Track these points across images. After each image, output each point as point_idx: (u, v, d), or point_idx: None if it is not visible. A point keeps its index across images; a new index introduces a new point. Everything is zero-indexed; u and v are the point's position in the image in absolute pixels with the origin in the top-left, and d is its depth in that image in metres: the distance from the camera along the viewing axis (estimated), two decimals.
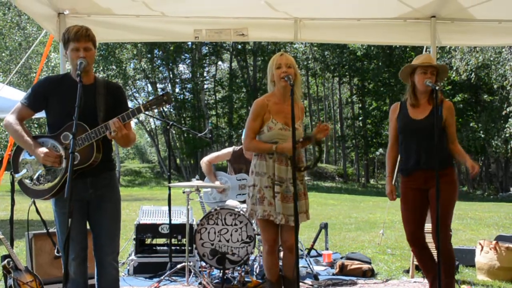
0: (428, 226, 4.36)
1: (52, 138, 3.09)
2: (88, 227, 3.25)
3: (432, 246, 4.01)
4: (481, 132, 27.35)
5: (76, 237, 3.07)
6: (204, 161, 5.76)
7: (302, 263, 5.27)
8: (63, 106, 3.06)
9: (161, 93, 3.09)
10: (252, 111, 3.69)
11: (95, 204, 3.18)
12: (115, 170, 3.37)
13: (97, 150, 3.03)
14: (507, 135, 24.02)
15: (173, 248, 5.28)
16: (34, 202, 3.90)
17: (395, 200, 3.94)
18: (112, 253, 3.21)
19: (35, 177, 3.11)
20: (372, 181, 37.05)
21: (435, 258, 3.77)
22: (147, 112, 3.11)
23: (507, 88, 23.02)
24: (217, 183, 5.52)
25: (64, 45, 3.12)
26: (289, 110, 3.41)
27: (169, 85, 33.68)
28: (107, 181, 3.21)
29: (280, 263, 3.97)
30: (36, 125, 22.14)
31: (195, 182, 5.13)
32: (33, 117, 3.55)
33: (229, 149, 5.80)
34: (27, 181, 3.13)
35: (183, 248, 5.45)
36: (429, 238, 4.30)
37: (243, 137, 3.96)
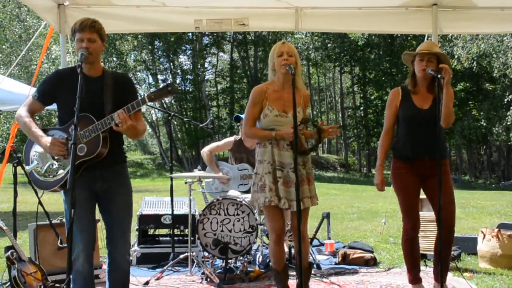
0: (429, 214, 4.36)
1: (61, 130, 3.11)
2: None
3: (432, 235, 4.01)
4: (483, 120, 27.29)
5: (85, 228, 3.08)
6: (205, 150, 5.75)
7: None
8: (72, 99, 3.05)
9: (165, 84, 3.07)
10: (251, 98, 3.68)
11: (105, 197, 3.17)
12: (126, 163, 3.34)
13: (103, 142, 3.02)
14: (508, 123, 23.98)
15: (175, 238, 5.30)
16: (37, 195, 3.90)
17: (383, 191, 3.96)
18: (124, 246, 3.22)
19: (44, 168, 3.12)
20: (373, 171, 36.87)
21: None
22: (151, 103, 3.10)
23: (510, 77, 22.95)
24: (220, 174, 5.53)
25: (72, 38, 3.15)
26: (289, 97, 3.41)
27: (170, 76, 33.60)
28: (117, 174, 3.20)
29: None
30: (37, 118, 22.15)
31: (197, 172, 5.12)
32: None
33: (230, 139, 5.79)
34: (37, 172, 3.15)
35: (185, 238, 5.47)
36: (431, 226, 4.30)
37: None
